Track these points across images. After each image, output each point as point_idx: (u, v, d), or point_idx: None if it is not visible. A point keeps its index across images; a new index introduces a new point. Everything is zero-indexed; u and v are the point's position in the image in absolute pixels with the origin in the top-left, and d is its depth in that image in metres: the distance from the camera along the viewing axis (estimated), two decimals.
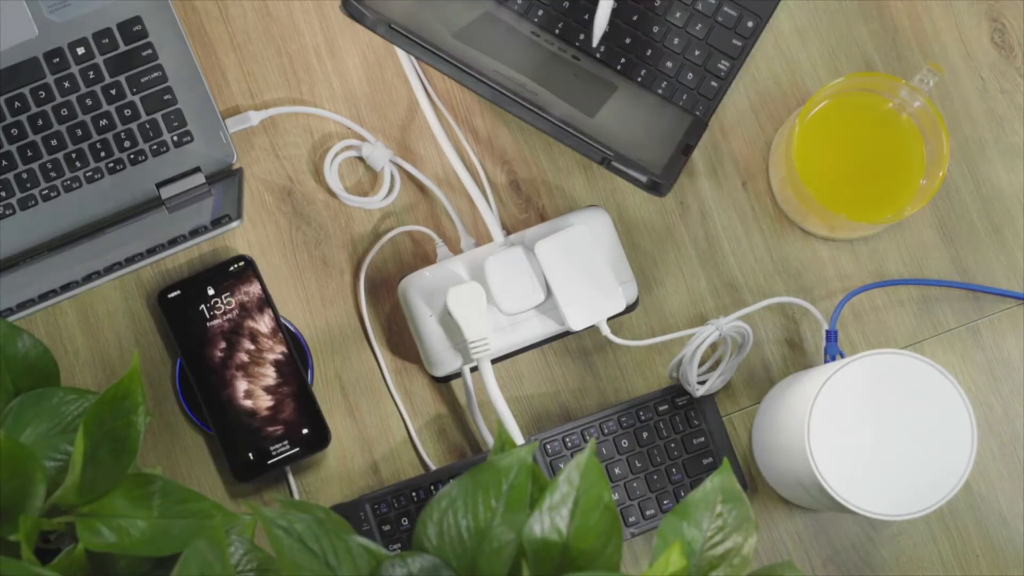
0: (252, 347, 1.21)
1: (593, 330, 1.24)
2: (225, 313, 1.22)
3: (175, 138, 1.23)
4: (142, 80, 1.23)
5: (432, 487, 1.19)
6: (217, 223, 1.17)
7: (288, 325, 1.23)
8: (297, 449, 1.21)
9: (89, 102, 1.22)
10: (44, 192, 1.23)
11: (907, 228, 1.25)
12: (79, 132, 1.23)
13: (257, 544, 1.06)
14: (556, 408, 1.24)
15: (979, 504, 1.23)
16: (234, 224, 1.16)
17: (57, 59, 1.22)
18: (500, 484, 0.91)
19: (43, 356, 1.08)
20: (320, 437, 1.21)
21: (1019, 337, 1.24)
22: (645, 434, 1.22)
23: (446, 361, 1.20)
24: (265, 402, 1.21)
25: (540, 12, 1.23)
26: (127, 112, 1.23)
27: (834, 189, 1.19)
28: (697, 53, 1.23)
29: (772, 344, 1.24)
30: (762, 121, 1.26)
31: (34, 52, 1.22)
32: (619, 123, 1.18)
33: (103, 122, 1.23)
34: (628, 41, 1.22)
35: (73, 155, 1.22)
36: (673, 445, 1.22)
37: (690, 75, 1.23)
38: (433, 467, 1.23)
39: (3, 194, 1.22)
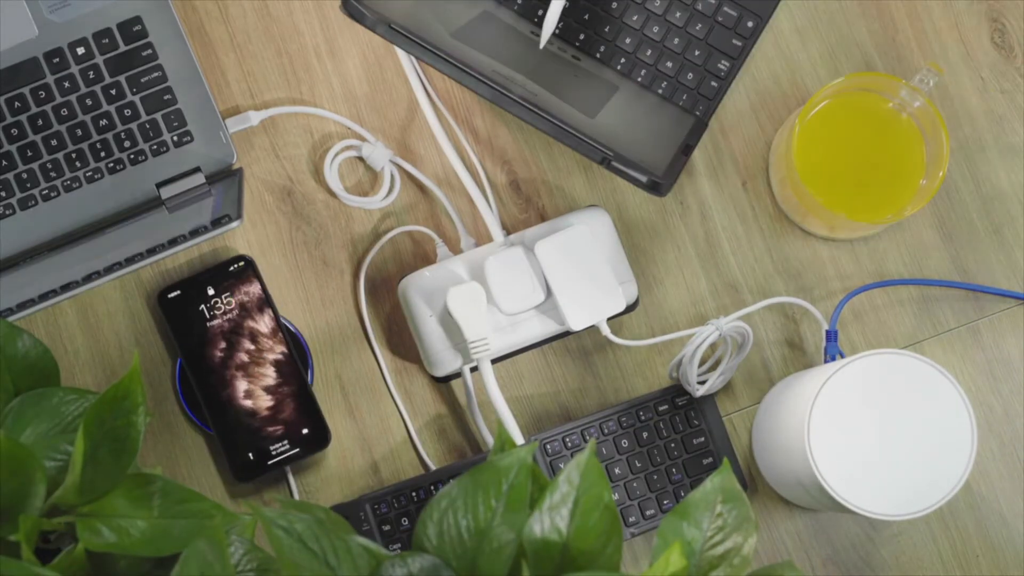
0: (252, 347, 1.21)
1: (593, 330, 1.24)
2: (225, 313, 1.22)
3: (175, 138, 1.23)
4: (142, 80, 1.23)
5: (432, 487, 1.19)
6: (217, 223, 1.17)
7: (288, 325, 1.23)
8: (297, 449, 1.21)
9: (89, 102, 1.22)
10: (44, 192, 1.22)
11: (907, 228, 1.25)
12: (79, 132, 1.22)
13: (257, 544, 1.06)
14: (556, 408, 1.24)
15: (979, 504, 1.23)
16: (234, 224, 1.16)
17: (57, 59, 1.22)
18: (500, 484, 0.91)
19: (43, 356, 1.08)
20: (320, 437, 1.21)
21: (1019, 337, 1.24)
22: (645, 434, 1.22)
23: (446, 361, 1.20)
24: (265, 402, 1.21)
25: (540, 12, 1.23)
26: (127, 112, 1.23)
27: (834, 189, 1.19)
28: (697, 53, 1.23)
29: (772, 344, 1.24)
30: (762, 121, 1.26)
31: (34, 52, 1.22)
32: (619, 123, 1.18)
33: (103, 122, 1.22)
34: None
35: (73, 155, 1.22)
36: (673, 445, 1.22)
37: (690, 75, 1.23)
38: (433, 467, 1.23)
39: (3, 194, 1.22)
